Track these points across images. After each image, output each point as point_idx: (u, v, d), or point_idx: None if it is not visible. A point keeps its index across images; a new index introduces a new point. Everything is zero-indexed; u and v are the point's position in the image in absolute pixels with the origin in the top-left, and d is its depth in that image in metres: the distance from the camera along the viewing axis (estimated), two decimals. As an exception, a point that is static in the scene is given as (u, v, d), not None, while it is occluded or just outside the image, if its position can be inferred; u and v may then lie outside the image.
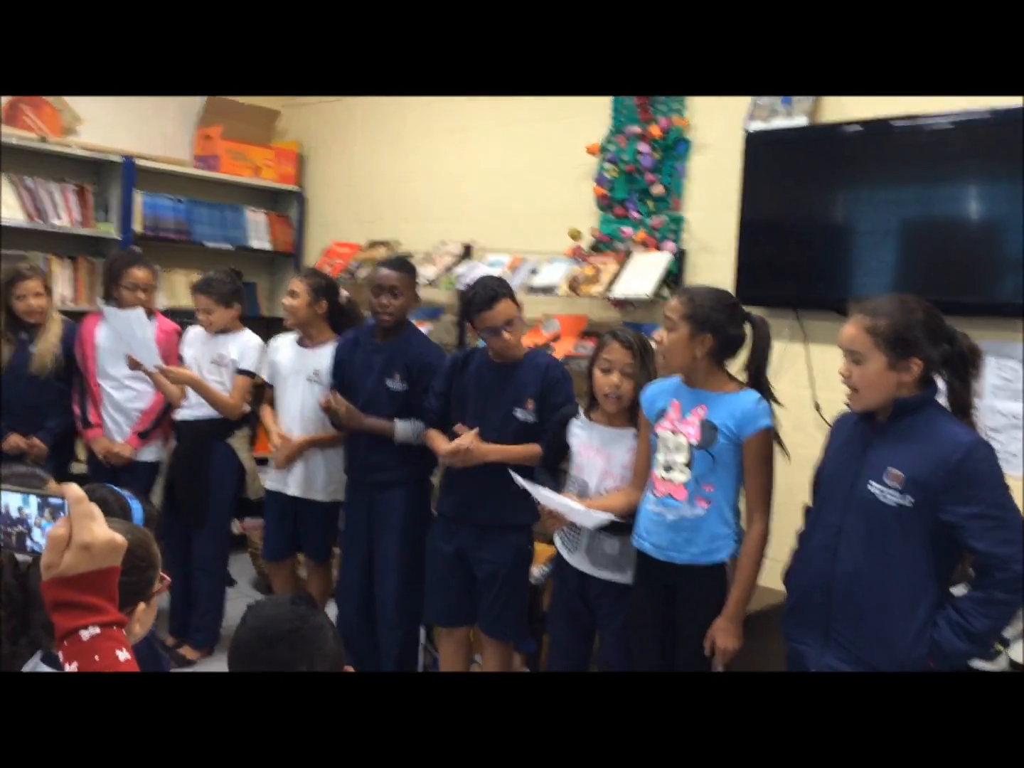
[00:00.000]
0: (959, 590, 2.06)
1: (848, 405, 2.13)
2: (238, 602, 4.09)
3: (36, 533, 1.07)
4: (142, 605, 1.42)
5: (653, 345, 2.35)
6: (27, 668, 1.36)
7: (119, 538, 1.04)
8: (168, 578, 1.51)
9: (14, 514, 1.08)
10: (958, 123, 2.82)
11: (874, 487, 1.99)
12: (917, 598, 1.97)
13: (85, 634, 1.01)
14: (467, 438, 2.76)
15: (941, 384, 2.07)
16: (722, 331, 2.31)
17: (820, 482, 2.19)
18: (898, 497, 1.96)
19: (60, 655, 1.04)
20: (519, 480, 2.50)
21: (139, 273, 3.64)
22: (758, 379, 2.39)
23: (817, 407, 3.13)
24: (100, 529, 1.03)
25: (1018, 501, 2.62)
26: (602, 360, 2.54)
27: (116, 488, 1.89)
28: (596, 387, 2.56)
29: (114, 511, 1.81)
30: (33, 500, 1.07)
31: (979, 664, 2.18)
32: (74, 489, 1.05)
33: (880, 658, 1.99)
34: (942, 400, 2.07)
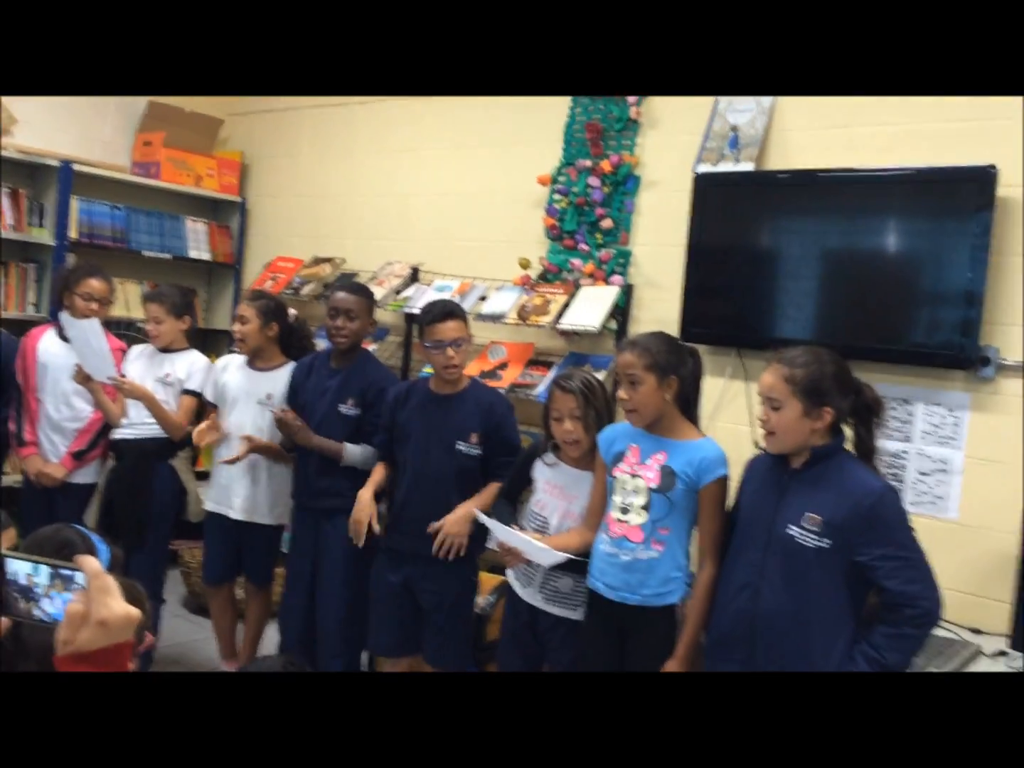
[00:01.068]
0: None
1: (763, 448, 2.28)
2: (169, 621, 4.02)
3: (44, 603, 1.06)
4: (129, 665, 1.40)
5: (621, 395, 2.41)
6: None
7: (134, 612, 1.04)
8: (152, 637, 1.50)
9: (22, 581, 1.06)
10: (879, 178, 2.99)
11: (793, 530, 2.13)
12: (836, 633, 2.11)
13: None
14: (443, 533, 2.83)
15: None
16: (680, 370, 2.41)
17: (736, 522, 2.32)
18: (816, 539, 2.10)
19: None
20: (481, 517, 2.54)
21: (96, 284, 3.55)
22: (688, 409, 2.48)
23: (756, 444, 3.22)
24: (117, 604, 1.02)
25: (949, 542, 2.80)
26: (552, 410, 2.62)
27: (82, 529, 1.85)
28: (555, 435, 2.62)
29: (81, 551, 1.77)
30: (44, 569, 1.06)
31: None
32: (91, 563, 1.04)
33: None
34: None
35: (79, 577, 1.04)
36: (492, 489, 2.87)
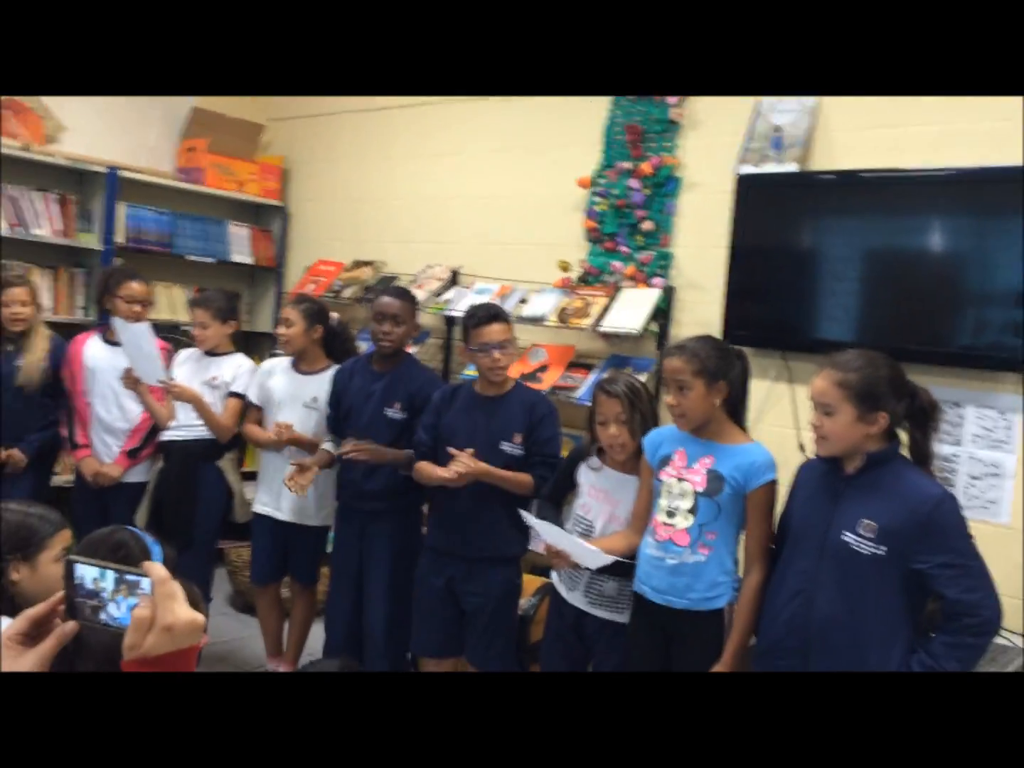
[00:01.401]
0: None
1: (814, 454, 2.24)
2: (215, 619, 4.08)
3: (110, 607, 1.08)
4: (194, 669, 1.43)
5: (670, 400, 2.40)
6: None
7: (199, 618, 1.05)
8: (207, 637, 1.52)
9: (89, 585, 1.08)
10: (925, 178, 2.96)
11: (848, 537, 2.10)
12: (891, 642, 2.08)
13: None
14: (464, 461, 2.78)
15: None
16: (729, 374, 2.40)
17: (788, 529, 2.29)
18: (872, 547, 2.07)
19: None
20: (528, 518, 2.55)
21: (137, 287, 3.62)
22: (735, 412, 2.47)
23: (801, 447, 3.21)
24: (182, 610, 1.03)
25: (1001, 547, 2.76)
26: (597, 414, 2.62)
27: (136, 531, 1.89)
28: (600, 440, 2.62)
29: (135, 554, 1.81)
30: (110, 575, 1.07)
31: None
32: (158, 569, 1.05)
33: None
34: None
35: (145, 583, 1.05)
36: (523, 477, 2.86)
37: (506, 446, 2.89)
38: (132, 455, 3.63)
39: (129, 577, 1.07)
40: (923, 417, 2.15)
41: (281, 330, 3.43)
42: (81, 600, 1.08)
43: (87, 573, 1.08)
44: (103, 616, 1.08)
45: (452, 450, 2.80)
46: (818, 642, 2.13)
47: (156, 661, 1.02)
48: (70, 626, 1.10)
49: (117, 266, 3.92)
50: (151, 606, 1.03)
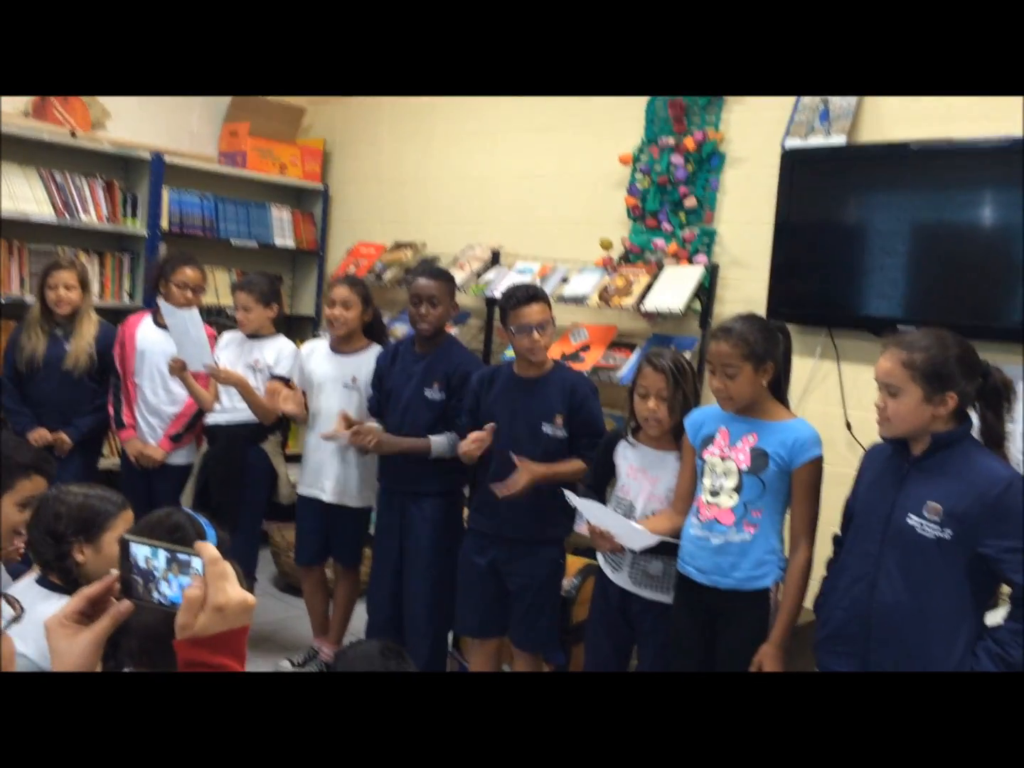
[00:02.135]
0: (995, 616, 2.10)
1: (882, 436, 2.17)
2: (259, 599, 4.11)
3: (163, 585, 1.08)
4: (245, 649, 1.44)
5: (716, 384, 2.37)
6: None
7: (250, 598, 1.05)
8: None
9: (141, 564, 1.09)
10: (977, 148, 2.88)
11: (913, 520, 2.03)
12: (957, 628, 2.01)
13: None
14: (528, 469, 2.77)
15: (974, 417, 2.11)
16: (775, 354, 2.36)
17: (853, 513, 2.22)
18: (937, 530, 1.99)
19: None
20: (572, 498, 2.53)
21: (191, 273, 3.67)
22: (778, 387, 2.43)
23: (848, 426, 3.16)
24: (233, 590, 1.04)
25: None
26: (639, 386, 2.58)
27: (192, 513, 1.91)
28: (636, 412, 2.59)
29: (191, 536, 1.84)
30: (162, 553, 1.08)
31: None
32: (209, 549, 1.05)
33: None
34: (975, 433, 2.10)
35: (196, 563, 1.06)
36: (576, 464, 2.85)
37: (547, 428, 2.88)
38: (175, 439, 3.69)
39: (181, 556, 1.07)
40: (996, 397, 2.05)
41: (338, 311, 3.41)
42: (135, 578, 1.09)
43: (139, 552, 1.09)
44: (155, 595, 1.09)
45: (516, 458, 2.78)
46: (880, 629, 2.07)
47: (207, 641, 1.03)
48: (125, 605, 1.12)
49: (173, 252, 3.96)
50: (203, 586, 1.04)
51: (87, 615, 1.10)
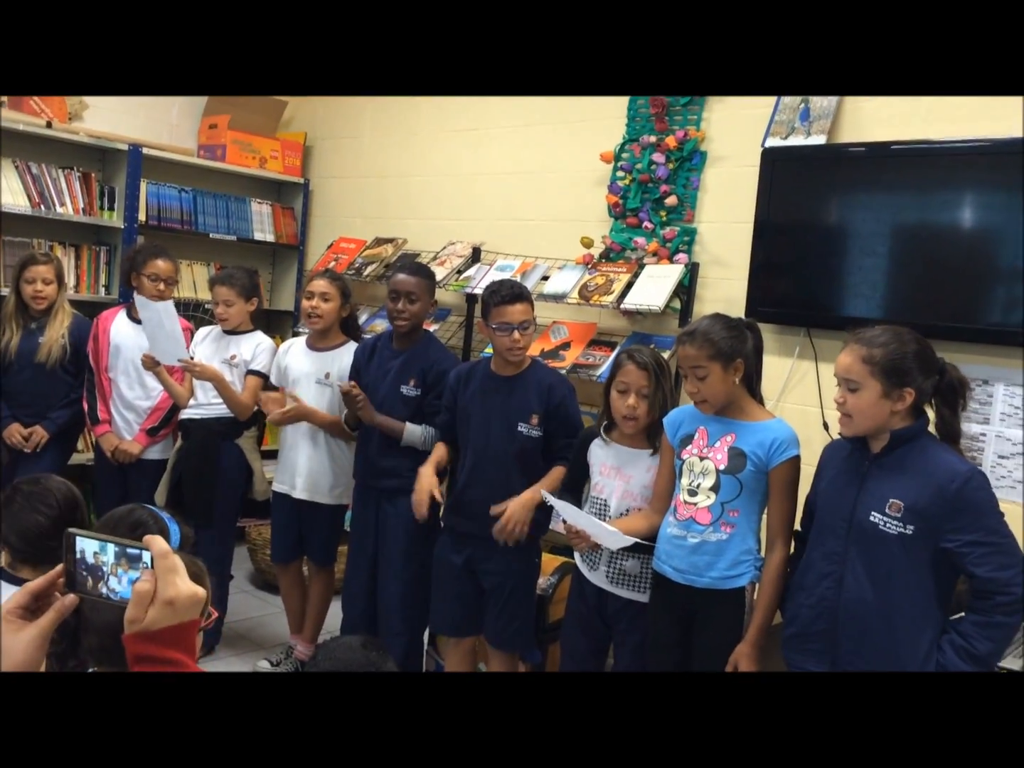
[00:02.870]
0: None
1: (839, 434, 2.19)
2: (236, 596, 4.10)
3: (112, 580, 1.07)
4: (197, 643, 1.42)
5: (689, 388, 2.36)
6: None
7: (200, 591, 1.05)
8: (216, 613, 1.51)
9: (89, 559, 1.08)
10: (957, 149, 2.88)
11: (875, 517, 2.06)
12: (922, 623, 2.03)
13: None
14: (511, 513, 2.76)
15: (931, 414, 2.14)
16: (744, 351, 2.36)
17: (815, 510, 2.25)
18: (899, 527, 2.02)
19: None
20: (549, 499, 2.52)
21: (162, 264, 3.64)
22: (751, 384, 2.43)
23: (826, 426, 3.16)
24: (183, 583, 1.03)
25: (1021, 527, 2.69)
26: (618, 382, 2.55)
27: (155, 509, 1.89)
28: (613, 409, 2.58)
29: (154, 533, 1.81)
30: (110, 548, 1.07)
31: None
32: (159, 543, 1.04)
33: None
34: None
35: (146, 556, 1.05)
36: (557, 473, 2.83)
37: (523, 427, 2.86)
38: (151, 433, 3.66)
39: (130, 551, 1.06)
40: (952, 394, 2.09)
41: (316, 303, 3.37)
42: (82, 573, 1.08)
43: (88, 546, 1.07)
44: (103, 589, 1.08)
45: (496, 509, 2.77)
46: (847, 626, 2.09)
47: (157, 635, 1.02)
48: (70, 599, 1.10)
49: (144, 244, 3.93)
50: (152, 580, 1.03)
51: (31, 610, 1.09)
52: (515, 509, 2.75)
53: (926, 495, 1.99)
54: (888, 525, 2.03)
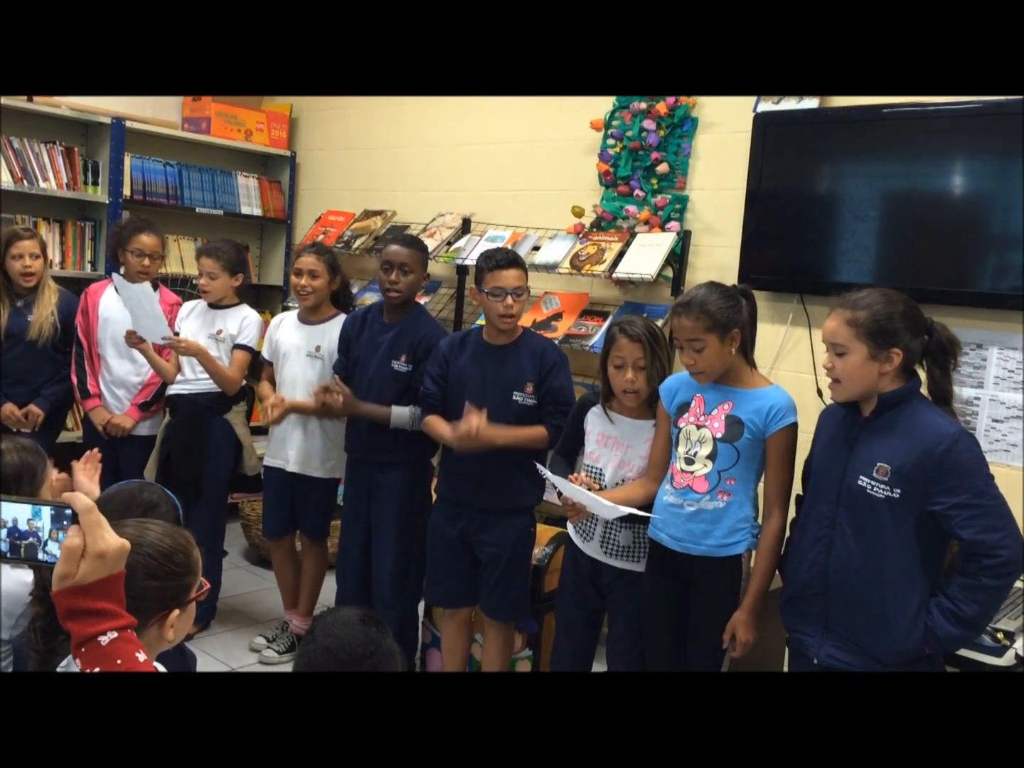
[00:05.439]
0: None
1: (832, 399, 2.18)
2: (230, 572, 4.09)
3: (51, 546, 1.08)
4: (176, 612, 1.40)
5: (685, 360, 2.34)
6: (61, 667, 1.35)
7: (126, 543, 1.08)
8: (208, 584, 1.50)
9: (23, 527, 1.09)
10: (949, 111, 2.85)
11: (863, 481, 2.05)
12: (910, 586, 2.02)
13: (104, 639, 1.05)
14: (475, 421, 2.72)
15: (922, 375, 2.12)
16: (739, 320, 2.33)
17: (811, 474, 2.24)
18: (886, 490, 2.01)
19: (78, 662, 1.06)
20: (543, 471, 2.50)
21: (147, 239, 3.59)
22: (745, 351, 2.40)
23: (819, 392, 3.15)
24: (111, 536, 1.07)
25: (1020, 491, 2.69)
26: (614, 357, 2.53)
27: (163, 488, 1.87)
28: (612, 384, 2.55)
29: (165, 512, 1.80)
30: (46, 512, 1.08)
31: (989, 660, 2.23)
32: (82, 499, 1.07)
33: (878, 646, 2.04)
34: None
35: (67, 513, 1.08)
36: (536, 431, 2.80)
37: (518, 396, 2.84)
38: (143, 408, 3.63)
39: (66, 512, 1.08)
40: (941, 354, 2.06)
41: (304, 281, 3.33)
42: (16, 541, 1.08)
43: (20, 513, 1.08)
44: (41, 555, 1.09)
45: (468, 404, 2.74)
46: (837, 589, 2.09)
47: (89, 588, 1.04)
48: None
49: (130, 219, 3.88)
50: (80, 535, 1.05)
51: None
52: (485, 431, 2.68)
53: (913, 458, 1.98)
54: (875, 489, 2.02)
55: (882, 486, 2.01)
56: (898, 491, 2.00)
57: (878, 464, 2.03)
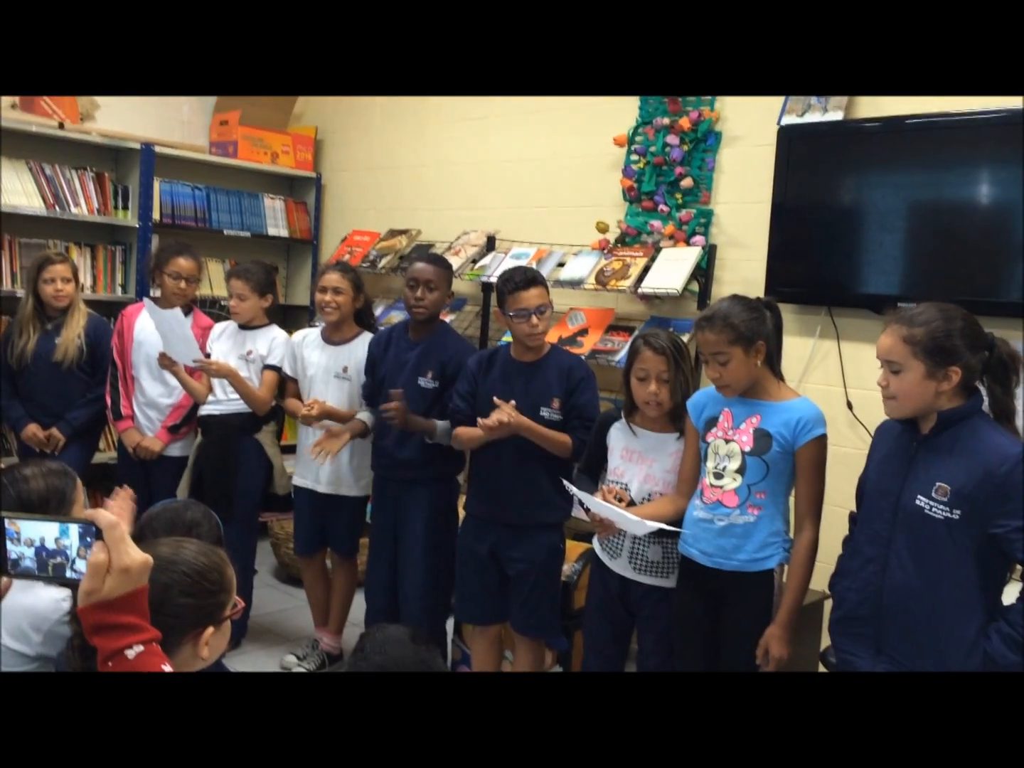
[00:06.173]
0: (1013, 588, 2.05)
1: (887, 415, 2.11)
2: (260, 591, 4.11)
3: (80, 564, 1.09)
4: (210, 629, 1.41)
5: (711, 374, 2.33)
6: None
7: (149, 558, 1.09)
8: (242, 602, 1.51)
9: (50, 545, 1.09)
10: (974, 121, 2.83)
11: (921, 501, 1.97)
12: (968, 610, 1.95)
13: (131, 653, 1.07)
14: (507, 409, 2.71)
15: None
16: (764, 332, 2.32)
17: (865, 492, 2.18)
18: (946, 511, 1.94)
19: None
20: (571, 489, 2.50)
21: (184, 263, 3.65)
22: (771, 363, 2.38)
23: (849, 405, 3.13)
24: (135, 551, 1.08)
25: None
26: (637, 369, 2.53)
27: (204, 507, 1.88)
28: (635, 396, 2.55)
29: (207, 530, 1.82)
30: (74, 530, 1.09)
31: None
32: (105, 515, 1.08)
33: (933, 671, 1.96)
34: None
35: (92, 530, 1.08)
36: (564, 435, 2.79)
37: (545, 412, 2.84)
38: (173, 431, 3.66)
39: (77, 526, 1.09)
40: (1002, 370, 1.98)
41: (329, 297, 3.35)
42: (45, 560, 1.09)
43: (48, 532, 1.09)
44: (69, 573, 1.10)
45: (496, 399, 2.73)
46: (891, 611, 2.02)
47: (114, 603, 1.05)
48: (4, 583, 1.18)
49: (168, 242, 3.94)
50: (106, 551, 1.06)
51: None
52: (517, 418, 2.70)
53: (974, 478, 1.90)
54: (934, 509, 1.95)
55: (941, 507, 1.94)
56: (958, 512, 1.92)
57: (937, 484, 1.95)
